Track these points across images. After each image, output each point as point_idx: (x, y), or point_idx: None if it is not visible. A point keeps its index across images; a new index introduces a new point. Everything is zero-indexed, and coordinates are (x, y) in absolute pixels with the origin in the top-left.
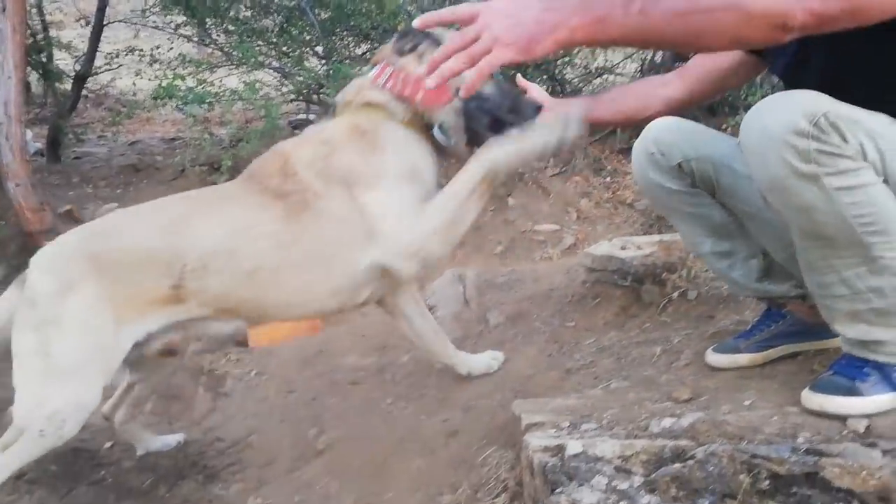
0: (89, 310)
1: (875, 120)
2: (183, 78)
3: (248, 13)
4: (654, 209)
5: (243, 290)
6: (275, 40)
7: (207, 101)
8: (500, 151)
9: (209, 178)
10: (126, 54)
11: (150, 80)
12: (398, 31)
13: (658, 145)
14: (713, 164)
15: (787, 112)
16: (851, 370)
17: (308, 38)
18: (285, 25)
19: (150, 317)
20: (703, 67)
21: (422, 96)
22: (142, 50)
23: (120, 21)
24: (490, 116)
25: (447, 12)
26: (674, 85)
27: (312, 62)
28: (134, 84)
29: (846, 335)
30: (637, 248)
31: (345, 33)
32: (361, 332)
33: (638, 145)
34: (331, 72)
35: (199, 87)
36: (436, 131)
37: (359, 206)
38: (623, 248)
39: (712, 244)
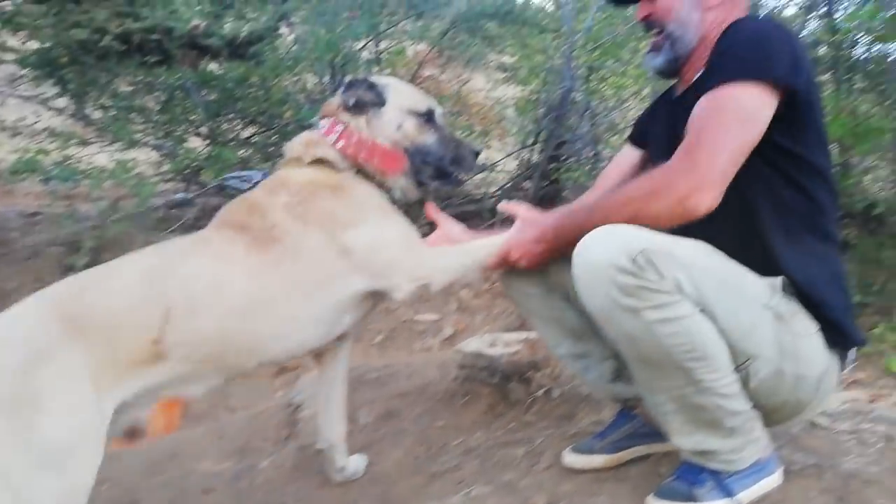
0: (72, 382)
1: (692, 251)
2: (47, 153)
3: (129, 88)
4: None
5: (227, 332)
6: (156, 118)
7: (73, 178)
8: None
9: (66, 260)
10: None
11: (11, 151)
12: (347, 82)
13: None
14: (569, 272)
15: (609, 249)
16: (690, 477)
17: (192, 118)
18: (168, 104)
19: (130, 381)
20: (612, 180)
21: (377, 161)
22: (4, 121)
23: None
24: (434, 167)
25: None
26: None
27: (195, 143)
28: None
29: (683, 446)
30: (505, 345)
31: (231, 116)
32: (220, 432)
33: None
34: (212, 154)
35: (66, 163)
36: (395, 193)
37: (340, 243)
38: (492, 345)
39: (569, 346)
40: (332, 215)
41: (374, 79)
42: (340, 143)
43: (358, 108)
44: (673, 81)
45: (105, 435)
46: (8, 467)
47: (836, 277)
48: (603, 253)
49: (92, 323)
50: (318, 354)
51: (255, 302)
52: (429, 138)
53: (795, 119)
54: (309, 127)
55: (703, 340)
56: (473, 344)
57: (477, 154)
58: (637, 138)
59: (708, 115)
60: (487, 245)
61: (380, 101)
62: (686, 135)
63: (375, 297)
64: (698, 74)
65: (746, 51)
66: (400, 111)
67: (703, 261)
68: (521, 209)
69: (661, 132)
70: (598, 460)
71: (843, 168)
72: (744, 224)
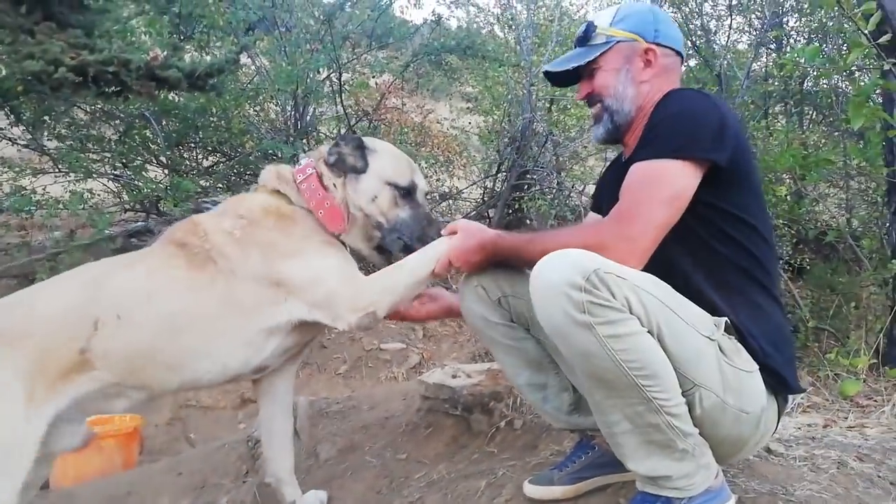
0: (3, 392)
1: (641, 278)
2: None
3: (87, 118)
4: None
5: (152, 344)
6: (114, 148)
7: (26, 208)
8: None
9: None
10: None
11: None
12: (340, 135)
13: (481, 280)
14: (528, 301)
15: (564, 268)
16: None
17: (152, 147)
18: (126, 134)
19: (60, 391)
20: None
21: (322, 215)
22: None
23: None
24: (400, 241)
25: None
26: None
27: (155, 172)
28: None
29: (638, 471)
30: (467, 376)
31: (192, 145)
32: (178, 468)
33: (464, 281)
34: (173, 183)
35: (20, 193)
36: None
37: (275, 271)
38: (454, 376)
39: (528, 376)
40: (272, 244)
41: (367, 141)
42: (303, 186)
43: (337, 167)
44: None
45: (37, 449)
46: None
47: (777, 329)
48: (558, 272)
49: (22, 334)
50: (257, 385)
51: (180, 318)
52: (401, 213)
53: (724, 182)
54: (274, 157)
55: (653, 359)
56: (436, 375)
57: (439, 233)
58: (594, 204)
59: (641, 188)
60: (425, 258)
61: (361, 168)
62: (621, 199)
63: (314, 329)
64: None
65: (673, 129)
66: (379, 181)
67: (651, 287)
68: (461, 222)
69: (611, 194)
70: (557, 491)
71: (795, 196)
72: (680, 279)
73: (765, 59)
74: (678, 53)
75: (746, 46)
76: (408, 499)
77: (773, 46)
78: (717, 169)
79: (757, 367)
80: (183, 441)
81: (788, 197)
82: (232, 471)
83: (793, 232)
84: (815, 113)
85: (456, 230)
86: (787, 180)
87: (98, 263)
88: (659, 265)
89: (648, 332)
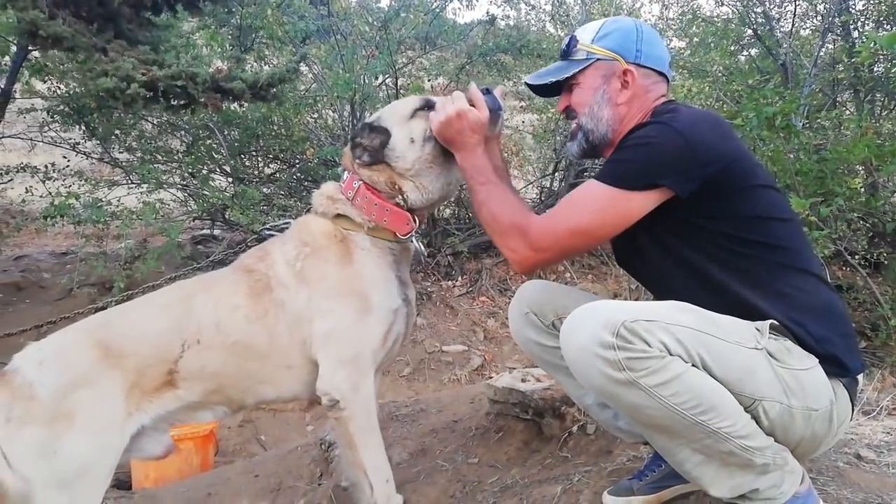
0: (107, 403)
1: (668, 312)
2: (77, 196)
3: (154, 130)
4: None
5: (223, 370)
6: (181, 159)
7: (103, 219)
8: None
9: (100, 300)
10: (17, 171)
11: (41, 196)
12: (351, 137)
13: (531, 306)
14: None
15: (591, 327)
16: None
17: (216, 157)
18: (193, 145)
19: (148, 407)
20: None
21: (388, 222)
22: (35, 167)
23: (15, 136)
24: None
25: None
26: None
27: (220, 181)
28: (23, 200)
29: (725, 497)
30: (536, 380)
31: (254, 153)
32: (254, 470)
33: (514, 307)
34: (237, 191)
35: (95, 206)
36: (414, 243)
37: (310, 318)
38: (523, 380)
39: (594, 396)
40: (324, 279)
41: (372, 117)
42: (357, 201)
43: (372, 156)
44: None
45: (119, 455)
46: (30, 473)
47: (826, 307)
48: (586, 334)
49: (124, 353)
50: None
51: (240, 347)
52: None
53: (722, 195)
54: (334, 164)
55: (705, 392)
56: (504, 379)
57: (487, 91)
58: None
59: (571, 209)
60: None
61: (384, 139)
62: (557, 206)
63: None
64: None
65: (630, 156)
66: (401, 128)
67: (682, 318)
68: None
69: None
70: (637, 501)
71: (870, 188)
72: (713, 288)
73: (832, 46)
74: (662, 74)
75: (811, 33)
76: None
77: (839, 32)
78: (691, 193)
79: (815, 360)
80: (254, 443)
81: (863, 189)
82: (306, 473)
83: (868, 225)
84: (887, 100)
85: (481, 109)
86: (861, 172)
87: (182, 284)
88: (690, 277)
89: (693, 365)
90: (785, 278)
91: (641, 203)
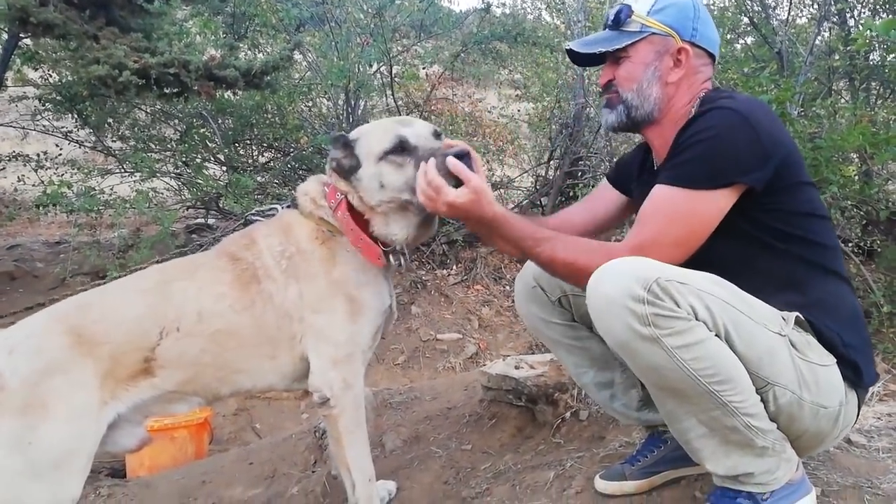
0: (81, 391)
1: (703, 281)
2: (70, 185)
3: (148, 119)
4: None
5: (201, 358)
6: (175, 147)
7: (95, 208)
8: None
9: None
10: (9, 160)
11: (33, 185)
12: (332, 138)
13: (539, 280)
14: None
15: (623, 280)
16: (725, 501)
17: (210, 145)
18: (186, 133)
19: (124, 395)
20: (583, 213)
21: (361, 251)
22: (27, 155)
23: (7, 125)
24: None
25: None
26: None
27: (213, 170)
28: (15, 189)
29: (718, 472)
30: (530, 367)
31: (248, 142)
32: (249, 458)
33: (520, 280)
34: (231, 180)
35: (88, 194)
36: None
37: (300, 316)
38: (517, 367)
39: (594, 375)
40: (312, 278)
41: (353, 133)
42: (338, 215)
43: (341, 173)
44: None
45: (97, 444)
46: (4, 465)
47: (852, 312)
48: (617, 285)
49: (98, 339)
50: None
51: (226, 333)
52: (409, 171)
53: (775, 190)
54: (328, 153)
55: (724, 364)
56: (498, 366)
57: (461, 155)
58: (615, 181)
59: (659, 222)
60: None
61: (355, 165)
62: (639, 225)
63: None
64: (668, 151)
65: (704, 154)
66: (372, 163)
67: (714, 289)
68: (474, 181)
69: (641, 202)
70: (629, 486)
71: (864, 176)
72: (747, 282)
73: (828, 34)
74: (711, 56)
75: (807, 21)
76: (475, 489)
77: (836, 20)
78: (765, 185)
79: (834, 360)
80: (249, 431)
81: (857, 177)
82: (301, 461)
83: (862, 213)
84: (882, 88)
85: (470, 180)
86: (856, 159)
87: (163, 268)
88: (724, 271)
89: (716, 335)
90: (819, 279)
91: (725, 201)
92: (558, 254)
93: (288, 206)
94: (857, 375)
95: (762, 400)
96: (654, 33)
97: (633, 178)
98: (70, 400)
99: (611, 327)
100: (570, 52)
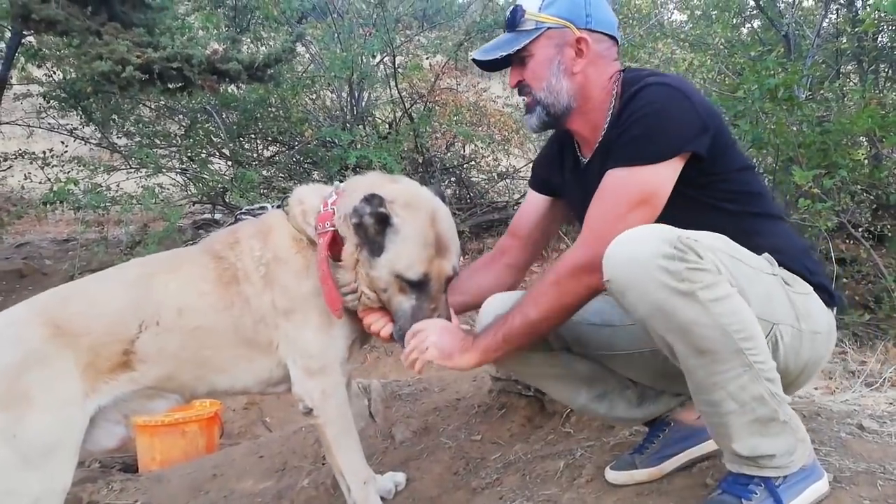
0: (63, 382)
1: (707, 235)
2: (76, 182)
3: (152, 115)
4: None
5: (180, 354)
6: (180, 142)
7: (102, 205)
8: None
9: None
10: (16, 158)
11: (40, 182)
12: (366, 196)
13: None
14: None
15: (650, 240)
16: (737, 488)
17: (215, 140)
18: (191, 128)
19: (104, 388)
20: (527, 227)
21: (324, 290)
22: (34, 153)
23: (13, 123)
24: (401, 333)
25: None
26: (511, 251)
27: (218, 164)
28: (23, 187)
29: (739, 452)
30: None
31: (252, 136)
32: (259, 451)
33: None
34: (236, 175)
35: (94, 191)
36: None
37: (276, 322)
38: None
39: (587, 392)
40: (286, 289)
41: (394, 216)
42: (320, 242)
43: (357, 234)
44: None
45: (83, 432)
46: None
47: (803, 248)
48: (644, 249)
49: (80, 331)
50: None
51: (201, 333)
52: (405, 303)
53: (713, 155)
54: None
55: (748, 318)
56: None
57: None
58: (540, 186)
59: (607, 208)
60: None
61: (376, 252)
62: (587, 218)
63: None
64: (601, 136)
65: (649, 130)
66: (389, 273)
67: (716, 243)
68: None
69: (577, 198)
70: (640, 475)
71: (874, 160)
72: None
73: (835, 16)
74: (612, 38)
75: (814, 3)
76: (485, 479)
77: (843, 1)
78: (707, 150)
79: (811, 288)
80: (259, 425)
81: (867, 161)
82: (310, 453)
83: (872, 197)
84: (891, 70)
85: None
86: (865, 143)
87: (146, 261)
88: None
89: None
90: (770, 226)
91: (675, 172)
92: (530, 315)
93: (279, 206)
94: (830, 297)
95: (772, 343)
96: (549, 28)
97: (557, 175)
98: (53, 390)
99: (645, 291)
100: (476, 61)
